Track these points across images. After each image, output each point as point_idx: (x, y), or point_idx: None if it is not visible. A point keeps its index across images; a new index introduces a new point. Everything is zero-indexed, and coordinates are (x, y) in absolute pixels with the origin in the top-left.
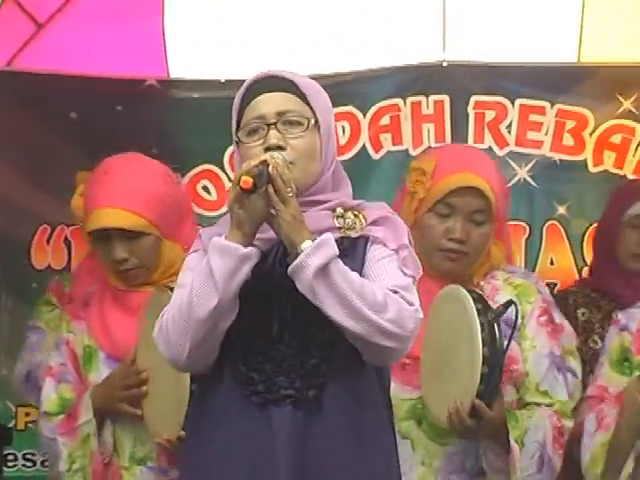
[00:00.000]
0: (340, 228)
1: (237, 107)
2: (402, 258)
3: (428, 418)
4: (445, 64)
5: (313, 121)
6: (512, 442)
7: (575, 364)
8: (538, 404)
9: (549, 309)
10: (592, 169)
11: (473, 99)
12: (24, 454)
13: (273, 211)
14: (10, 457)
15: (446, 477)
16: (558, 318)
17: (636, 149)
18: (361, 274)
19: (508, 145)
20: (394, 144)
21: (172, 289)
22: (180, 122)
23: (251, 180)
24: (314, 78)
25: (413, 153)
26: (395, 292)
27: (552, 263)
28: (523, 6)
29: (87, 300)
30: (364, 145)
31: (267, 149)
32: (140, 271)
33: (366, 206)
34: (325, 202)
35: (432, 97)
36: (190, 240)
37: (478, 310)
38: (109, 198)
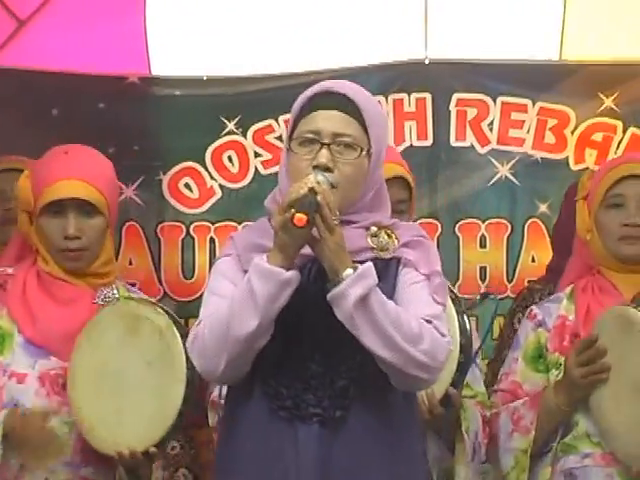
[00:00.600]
0: (373, 248)
1: (295, 114)
2: (434, 285)
3: None
4: (427, 62)
5: (366, 149)
6: (463, 433)
7: (481, 362)
8: (464, 397)
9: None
10: (574, 167)
11: (455, 97)
12: None
13: (317, 235)
14: None
15: None
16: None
17: (617, 147)
18: (392, 298)
19: (490, 143)
20: None
21: (160, 305)
22: (162, 119)
23: (305, 217)
24: (295, 76)
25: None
26: (429, 322)
27: (533, 260)
28: (505, 4)
29: (3, 283)
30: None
31: (315, 167)
32: (84, 254)
33: (399, 226)
34: (360, 222)
35: (414, 95)
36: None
37: (452, 299)
38: (71, 171)
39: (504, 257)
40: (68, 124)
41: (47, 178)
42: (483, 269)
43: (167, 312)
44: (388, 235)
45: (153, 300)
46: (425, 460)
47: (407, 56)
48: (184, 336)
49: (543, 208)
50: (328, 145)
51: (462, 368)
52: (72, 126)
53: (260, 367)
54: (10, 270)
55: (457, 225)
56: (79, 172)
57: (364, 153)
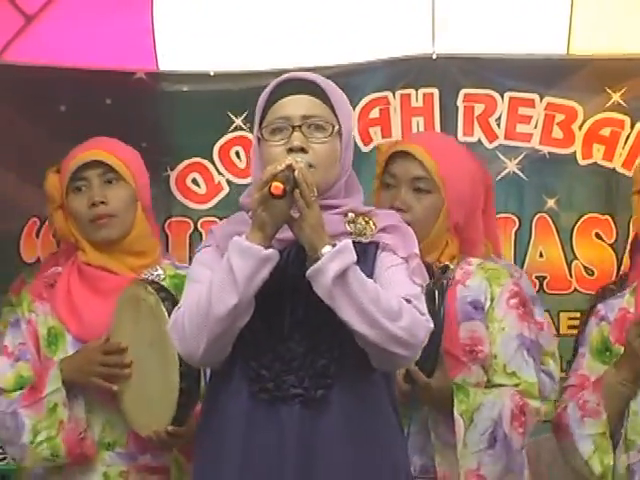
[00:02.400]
0: (351, 233)
1: (262, 105)
2: (412, 267)
3: None
4: (434, 57)
5: (337, 128)
6: (455, 415)
7: (554, 367)
8: (504, 386)
9: (522, 294)
10: (581, 162)
11: (462, 92)
12: None
13: (296, 214)
14: None
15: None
16: (539, 316)
17: (625, 142)
18: (371, 279)
19: (497, 138)
20: (383, 137)
21: (150, 283)
22: (169, 115)
23: (282, 186)
24: (303, 71)
25: None
26: (408, 301)
27: (541, 256)
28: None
29: (52, 282)
30: (353, 138)
31: (290, 150)
32: (112, 221)
33: (376, 213)
34: (337, 207)
35: (421, 90)
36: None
37: None
38: (90, 145)
39: (512, 252)
40: (75, 120)
41: (69, 159)
42: None
43: (159, 289)
44: (366, 221)
45: (146, 277)
46: (403, 437)
47: (414, 51)
48: (170, 311)
49: (551, 203)
50: (300, 127)
51: (425, 347)
52: (79, 122)
53: (240, 349)
54: (60, 269)
55: None
56: (98, 145)
57: (335, 131)
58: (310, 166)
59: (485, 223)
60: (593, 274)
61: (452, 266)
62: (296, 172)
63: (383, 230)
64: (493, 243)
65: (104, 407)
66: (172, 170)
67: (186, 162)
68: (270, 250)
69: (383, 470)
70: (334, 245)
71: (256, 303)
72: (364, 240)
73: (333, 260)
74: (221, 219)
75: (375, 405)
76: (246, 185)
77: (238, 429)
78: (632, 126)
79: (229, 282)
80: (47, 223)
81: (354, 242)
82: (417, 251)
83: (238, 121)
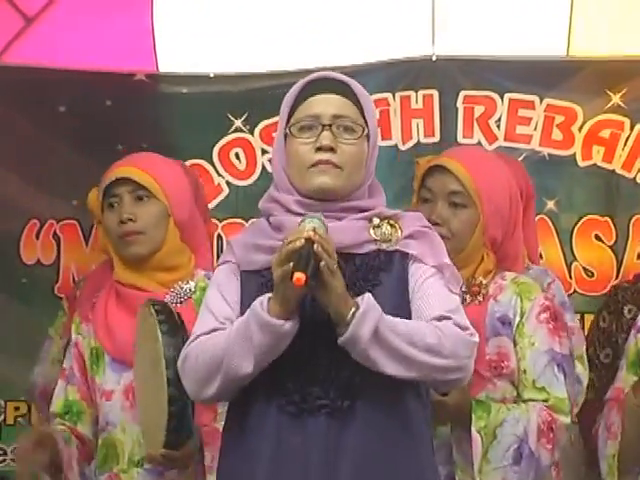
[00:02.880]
0: (376, 240)
1: (290, 102)
2: (447, 277)
3: None
4: (434, 59)
5: (366, 131)
6: (473, 431)
7: (581, 370)
8: (534, 401)
9: (554, 308)
10: (581, 164)
11: (462, 94)
12: (13, 449)
13: (317, 283)
14: None
15: None
16: (570, 321)
17: (625, 143)
18: (400, 290)
19: (497, 140)
20: (383, 139)
21: (155, 304)
22: (169, 116)
23: (304, 277)
24: (303, 73)
25: (402, 148)
26: (448, 318)
27: (541, 257)
28: (512, 0)
29: (95, 302)
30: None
31: (318, 149)
32: (140, 238)
33: (402, 216)
34: (361, 208)
35: (421, 92)
36: (203, 263)
37: None
38: (127, 161)
39: None
40: (75, 121)
41: (105, 175)
42: None
43: (161, 310)
44: (391, 225)
45: (173, 292)
46: (432, 447)
47: (414, 53)
48: (165, 333)
49: (550, 205)
50: (330, 126)
51: None
52: (80, 123)
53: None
54: (99, 292)
55: None
56: (133, 161)
57: (364, 134)
58: (337, 167)
59: (524, 231)
60: (593, 275)
61: (485, 281)
62: (316, 246)
63: (409, 237)
64: (530, 250)
65: (134, 426)
66: None
67: (186, 163)
68: (289, 324)
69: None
70: (357, 306)
71: None
72: (389, 248)
73: (363, 324)
74: (221, 221)
75: (403, 416)
76: (245, 187)
77: (266, 444)
78: (632, 127)
79: (246, 350)
80: (46, 225)
81: (379, 250)
82: (448, 260)
83: (238, 123)
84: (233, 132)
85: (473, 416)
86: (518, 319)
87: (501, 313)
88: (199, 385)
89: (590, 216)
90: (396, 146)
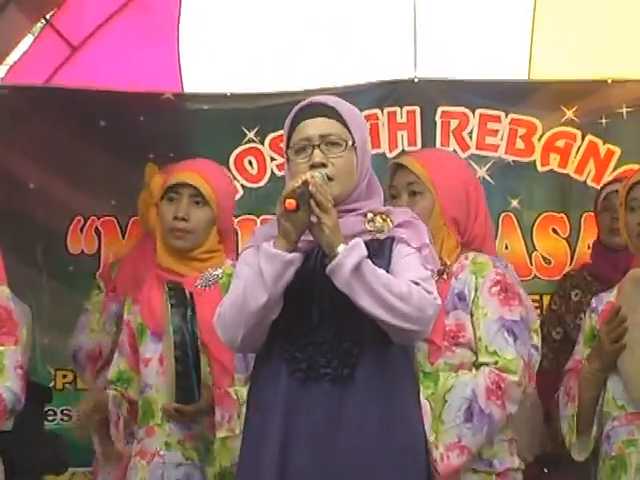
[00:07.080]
0: (371, 231)
1: (287, 129)
2: (424, 255)
3: None
4: (416, 80)
5: (351, 142)
6: (422, 399)
7: (537, 340)
8: (487, 363)
9: (504, 281)
10: (540, 169)
11: (440, 109)
12: (62, 410)
13: (314, 220)
14: (50, 413)
15: None
16: (524, 297)
17: (577, 151)
18: (388, 270)
19: (470, 148)
20: (373, 148)
21: (173, 287)
22: (192, 129)
23: (294, 202)
24: (305, 92)
25: (389, 155)
26: (417, 283)
27: (507, 248)
28: (482, 32)
29: (141, 285)
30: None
31: (312, 166)
32: (188, 236)
33: (393, 211)
34: (358, 209)
35: (405, 108)
36: (229, 253)
37: None
38: (191, 167)
39: None
40: (113, 134)
41: (172, 171)
42: None
43: (174, 294)
44: (383, 219)
45: (204, 275)
46: (418, 396)
47: (399, 75)
48: (173, 305)
49: (514, 203)
50: (319, 146)
51: None
52: (117, 136)
53: (278, 337)
54: (141, 272)
55: None
56: (196, 168)
57: (350, 146)
58: (330, 178)
59: None
60: (550, 263)
61: (449, 262)
62: (310, 186)
63: (399, 226)
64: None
65: (166, 387)
66: None
67: None
68: (292, 254)
69: (405, 435)
70: (347, 243)
71: (289, 298)
72: (382, 237)
73: (349, 255)
74: (237, 217)
75: (395, 378)
76: (257, 189)
77: (279, 402)
78: (583, 138)
79: (259, 283)
80: (89, 221)
81: (372, 239)
82: (428, 241)
83: (250, 134)
84: (246, 142)
85: (421, 386)
86: (473, 294)
87: (459, 290)
88: (230, 332)
89: (548, 213)
90: (384, 154)
